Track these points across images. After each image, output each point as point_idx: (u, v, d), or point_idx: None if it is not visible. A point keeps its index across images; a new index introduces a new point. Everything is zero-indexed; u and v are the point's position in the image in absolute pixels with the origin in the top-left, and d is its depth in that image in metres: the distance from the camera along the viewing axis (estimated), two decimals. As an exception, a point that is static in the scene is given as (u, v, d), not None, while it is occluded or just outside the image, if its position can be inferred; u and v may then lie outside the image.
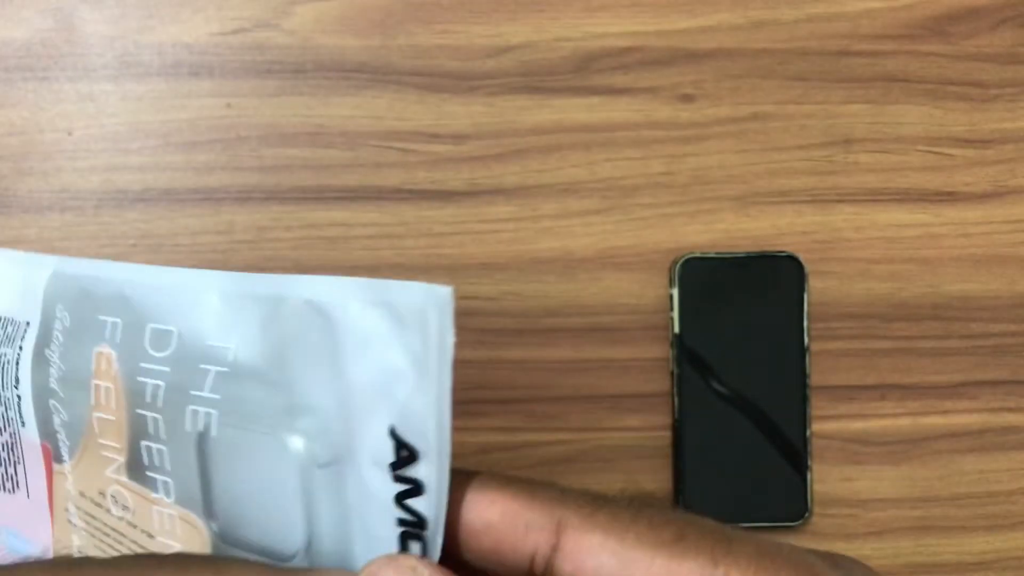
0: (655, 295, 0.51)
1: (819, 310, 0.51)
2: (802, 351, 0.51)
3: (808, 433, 0.50)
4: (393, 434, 0.25)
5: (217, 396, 0.27)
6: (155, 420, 0.28)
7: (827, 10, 0.51)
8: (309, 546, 0.27)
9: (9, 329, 0.33)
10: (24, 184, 0.49)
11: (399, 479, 0.25)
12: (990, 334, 0.52)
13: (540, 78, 0.50)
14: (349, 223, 0.50)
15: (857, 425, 0.52)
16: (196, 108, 0.49)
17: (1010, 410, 0.52)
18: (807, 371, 0.51)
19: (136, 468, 0.29)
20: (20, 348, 0.32)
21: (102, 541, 0.32)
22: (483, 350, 0.50)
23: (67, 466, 0.32)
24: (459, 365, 0.51)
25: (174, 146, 0.49)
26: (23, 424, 0.33)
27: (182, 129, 0.49)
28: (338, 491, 0.26)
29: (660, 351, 0.51)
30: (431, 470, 0.25)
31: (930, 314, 0.52)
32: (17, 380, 0.33)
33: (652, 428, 0.51)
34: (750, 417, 0.50)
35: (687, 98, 0.51)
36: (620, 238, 0.51)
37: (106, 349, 0.29)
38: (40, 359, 0.32)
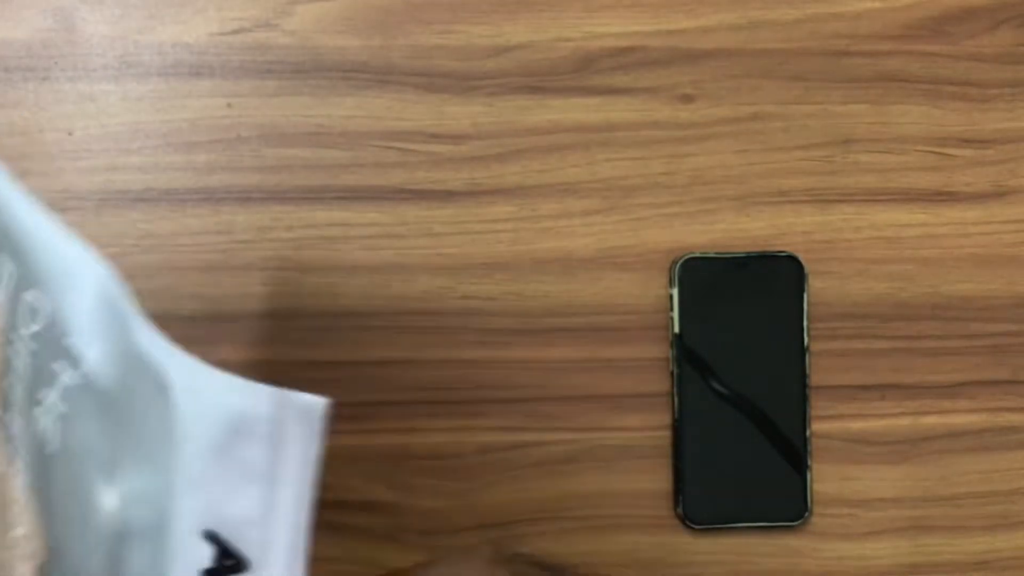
0: (655, 295, 0.51)
1: (819, 310, 0.51)
2: (802, 351, 0.51)
3: (808, 433, 0.51)
4: (213, 537, 0.23)
5: (64, 409, 0.25)
6: (18, 395, 0.27)
7: (827, 10, 0.51)
8: None
9: None
10: (25, 184, 0.49)
11: None
12: (989, 334, 0.52)
13: (540, 78, 0.50)
14: (349, 223, 0.50)
15: (857, 425, 0.52)
16: (197, 108, 0.49)
17: (1009, 410, 0.52)
18: (807, 371, 0.51)
19: (5, 428, 0.28)
20: None
21: None
22: (483, 350, 0.50)
23: None
24: (459, 365, 0.51)
25: (175, 146, 0.49)
26: None
27: (183, 129, 0.49)
28: (150, 565, 0.24)
29: (660, 351, 0.51)
30: None
31: (930, 314, 0.52)
32: None
33: (652, 428, 0.51)
34: (750, 417, 0.50)
35: (687, 98, 0.51)
36: (620, 238, 0.51)
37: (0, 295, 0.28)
38: None
